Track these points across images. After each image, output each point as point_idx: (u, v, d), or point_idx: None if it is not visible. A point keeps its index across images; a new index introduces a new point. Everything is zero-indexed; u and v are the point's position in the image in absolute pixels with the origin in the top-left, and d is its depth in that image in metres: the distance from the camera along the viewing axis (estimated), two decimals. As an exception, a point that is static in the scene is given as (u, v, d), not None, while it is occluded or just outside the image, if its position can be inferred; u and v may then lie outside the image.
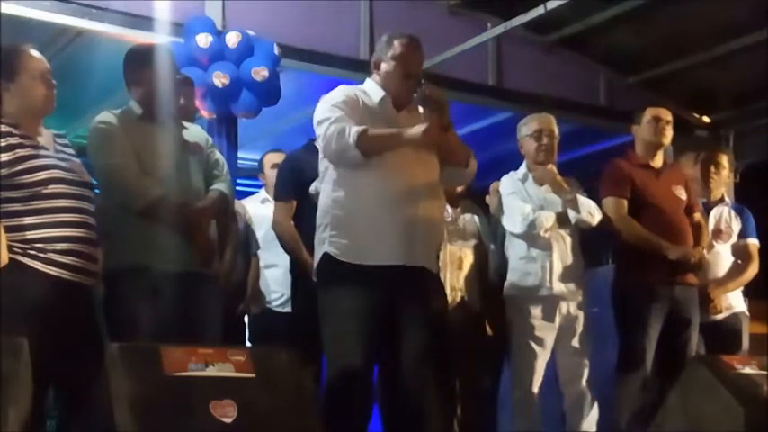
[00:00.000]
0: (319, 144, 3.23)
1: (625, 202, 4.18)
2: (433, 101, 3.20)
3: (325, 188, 3.27)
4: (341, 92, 3.27)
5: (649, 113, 4.33)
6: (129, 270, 3.16)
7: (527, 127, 4.28)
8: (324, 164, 3.30)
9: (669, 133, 4.32)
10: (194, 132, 3.49)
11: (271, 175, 4.64)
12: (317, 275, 3.25)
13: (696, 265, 4.16)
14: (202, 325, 3.23)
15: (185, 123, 3.49)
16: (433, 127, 3.11)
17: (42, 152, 3.04)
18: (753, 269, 4.56)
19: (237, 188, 4.39)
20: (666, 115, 4.33)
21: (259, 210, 4.69)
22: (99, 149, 3.26)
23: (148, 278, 3.13)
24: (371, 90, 3.32)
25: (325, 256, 3.18)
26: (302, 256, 3.80)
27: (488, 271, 4.30)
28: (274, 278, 4.59)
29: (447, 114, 3.23)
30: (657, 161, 4.35)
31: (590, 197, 4.20)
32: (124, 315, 3.13)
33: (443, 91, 3.31)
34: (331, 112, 3.16)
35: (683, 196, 4.29)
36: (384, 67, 3.30)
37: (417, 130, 3.12)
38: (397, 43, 3.28)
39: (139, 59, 3.35)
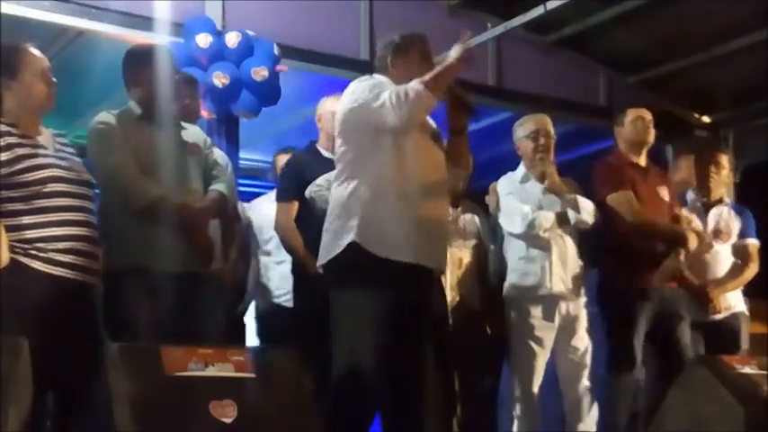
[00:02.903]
0: (381, 114, 3.11)
1: (632, 194, 4.19)
2: (462, 100, 3.25)
3: (349, 181, 3.20)
4: (367, 81, 3.24)
5: (631, 114, 4.36)
6: (129, 270, 3.16)
7: (523, 128, 4.28)
8: (346, 156, 3.23)
9: (652, 131, 4.36)
10: (193, 133, 3.49)
11: None
12: (337, 265, 3.17)
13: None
14: (202, 325, 3.23)
15: (184, 124, 3.49)
16: (467, 54, 3.12)
17: (41, 151, 3.04)
18: (752, 269, 4.56)
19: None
20: (648, 115, 4.37)
21: (270, 209, 4.70)
22: (98, 149, 3.27)
23: (148, 278, 3.13)
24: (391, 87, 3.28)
25: (353, 245, 3.10)
26: (304, 257, 3.79)
27: (488, 271, 4.31)
28: (284, 274, 4.60)
29: (467, 118, 3.29)
30: (642, 160, 4.37)
31: (588, 197, 4.21)
32: (123, 315, 3.13)
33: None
34: (376, 89, 3.14)
35: (667, 197, 4.32)
36: (403, 68, 3.28)
37: (453, 55, 3.13)
38: (417, 45, 3.31)
39: (138, 60, 3.36)
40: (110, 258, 3.21)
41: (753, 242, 4.62)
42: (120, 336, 3.02)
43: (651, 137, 4.37)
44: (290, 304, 4.52)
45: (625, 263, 4.16)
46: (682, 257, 4.24)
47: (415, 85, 3.08)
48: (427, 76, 3.09)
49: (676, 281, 4.26)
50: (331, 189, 3.34)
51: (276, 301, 4.59)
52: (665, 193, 4.33)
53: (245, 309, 4.53)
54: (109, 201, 3.31)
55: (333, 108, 4.01)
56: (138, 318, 3.09)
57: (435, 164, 3.27)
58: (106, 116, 3.29)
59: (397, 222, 3.12)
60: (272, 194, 4.83)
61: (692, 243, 4.19)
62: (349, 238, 3.12)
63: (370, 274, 3.09)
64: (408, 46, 3.32)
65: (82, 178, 3.12)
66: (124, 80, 3.38)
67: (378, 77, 3.32)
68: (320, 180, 3.74)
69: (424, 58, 3.31)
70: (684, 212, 4.45)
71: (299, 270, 3.94)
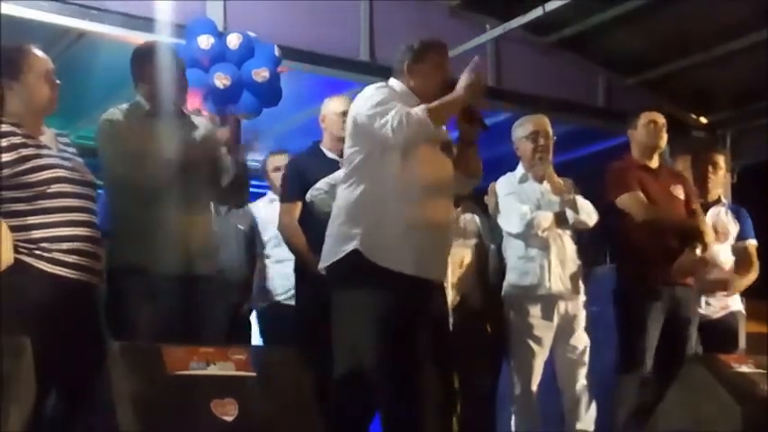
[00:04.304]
0: (382, 131, 3.15)
1: (642, 194, 4.21)
2: (474, 114, 3.28)
3: (356, 185, 3.24)
4: (381, 90, 3.27)
5: (645, 117, 4.38)
6: (134, 269, 3.18)
7: (522, 128, 4.30)
8: (354, 158, 3.26)
9: (665, 135, 4.39)
10: (201, 130, 3.51)
11: (275, 177, 4.67)
12: (338, 271, 3.22)
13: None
14: (206, 324, 3.25)
15: (193, 119, 3.51)
16: (474, 83, 3.14)
17: (45, 151, 3.05)
18: (755, 270, 4.57)
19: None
20: (661, 118, 4.39)
21: (269, 210, 4.72)
22: (107, 145, 3.28)
23: (153, 278, 3.15)
24: (405, 94, 3.31)
25: (355, 253, 3.15)
26: (308, 257, 3.82)
27: (489, 270, 4.33)
28: (284, 273, 4.62)
29: (478, 131, 3.31)
30: (654, 163, 4.39)
31: (587, 198, 4.23)
32: (128, 314, 3.15)
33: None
34: (384, 105, 3.16)
35: (682, 195, 4.34)
36: (419, 75, 3.31)
37: (460, 86, 3.14)
38: (434, 52, 3.33)
39: (146, 56, 3.39)
40: (115, 257, 3.24)
41: (753, 243, 4.64)
42: (125, 335, 3.04)
43: (663, 141, 4.40)
44: (291, 303, 4.55)
45: (637, 263, 4.19)
46: (698, 251, 4.21)
47: (418, 111, 3.11)
48: (432, 105, 3.13)
49: (693, 276, 4.25)
50: (338, 190, 3.36)
51: (277, 299, 4.62)
52: (679, 191, 4.36)
53: (251, 308, 4.56)
54: (115, 199, 3.34)
55: (336, 108, 4.04)
56: (144, 317, 3.10)
57: (442, 173, 3.30)
58: (114, 113, 3.32)
59: (400, 233, 3.16)
60: (270, 195, 4.87)
61: (709, 236, 4.21)
62: (352, 245, 3.16)
63: (371, 281, 3.13)
64: (425, 53, 3.33)
65: (85, 179, 3.13)
66: (132, 77, 3.41)
67: (393, 83, 3.35)
68: (320, 184, 3.75)
69: (438, 65, 3.31)
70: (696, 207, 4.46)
71: (302, 270, 3.96)
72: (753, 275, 4.57)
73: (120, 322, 3.17)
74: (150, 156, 3.22)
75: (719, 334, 4.45)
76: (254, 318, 4.75)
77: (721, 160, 4.76)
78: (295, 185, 3.99)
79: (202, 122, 3.58)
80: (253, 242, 4.57)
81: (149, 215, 3.20)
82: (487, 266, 4.34)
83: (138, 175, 3.21)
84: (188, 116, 3.48)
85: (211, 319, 3.34)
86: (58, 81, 3.16)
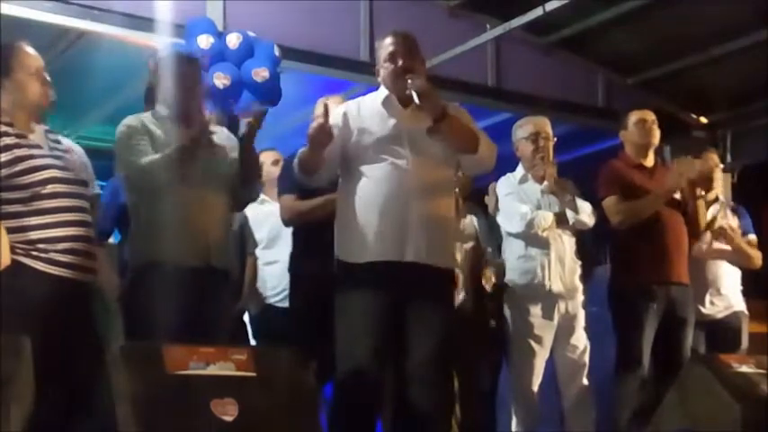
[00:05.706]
0: None
1: (616, 199, 4.21)
2: (420, 94, 3.12)
3: (340, 195, 3.30)
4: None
5: (634, 116, 4.39)
6: (154, 266, 3.19)
7: (522, 129, 4.31)
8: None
9: (657, 133, 4.39)
10: (223, 136, 3.53)
11: (273, 170, 4.67)
12: (334, 279, 3.26)
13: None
14: (221, 319, 3.28)
15: (214, 127, 3.51)
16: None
17: (37, 151, 3.02)
18: (758, 258, 4.57)
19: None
20: (651, 116, 4.40)
21: (258, 210, 4.71)
22: (125, 151, 3.27)
23: (173, 274, 3.15)
24: (379, 92, 3.32)
25: (335, 260, 3.22)
26: (314, 202, 3.79)
27: (485, 272, 4.33)
28: (274, 274, 4.62)
29: (436, 103, 3.13)
30: (649, 161, 4.40)
31: (587, 198, 4.23)
32: (147, 311, 3.15)
33: (435, 86, 3.25)
34: None
35: (677, 194, 4.34)
36: (381, 72, 3.30)
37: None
38: (383, 45, 3.29)
39: (163, 63, 3.40)
40: (135, 254, 3.27)
41: (754, 238, 4.65)
42: (144, 332, 3.06)
43: (656, 138, 4.40)
44: (282, 304, 4.55)
45: (631, 262, 4.19)
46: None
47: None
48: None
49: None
50: None
51: (269, 302, 4.61)
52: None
53: (244, 308, 4.55)
54: (135, 199, 3.35)
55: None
56: (162, 314, 3.09)
57: (406, 162, 3.18)
58: (133, 119, 3.33)
59: (366, 225, 3.15)
60: (261, 196, 4.86)
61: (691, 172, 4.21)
62: (336, 254, 3.23)
63: (350, 280, 3.15)
64: (377, 48, 3.33)
65: (78, 177, 3.11)
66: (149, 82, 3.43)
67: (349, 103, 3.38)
68: None
69: (387, 57, 3.25)
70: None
71: (296, 268, 3.97)
72: (756, 259, 4.56)
73: (139, 319, 3.17)
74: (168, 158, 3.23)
75: (723, 334, 4.45)
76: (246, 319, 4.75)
77: (716, 160, 4.77)
78: (287, 182, 3.99)
79: (224, 131, 3.59)
80: (243, 241, 4.57)
81: (168, 213, 3.20)
82: (483, 268, 4.34)
83: (158, 177, 3.20)
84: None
85: (227, 313, 3.37)
86: (49, 78, 3.13)
